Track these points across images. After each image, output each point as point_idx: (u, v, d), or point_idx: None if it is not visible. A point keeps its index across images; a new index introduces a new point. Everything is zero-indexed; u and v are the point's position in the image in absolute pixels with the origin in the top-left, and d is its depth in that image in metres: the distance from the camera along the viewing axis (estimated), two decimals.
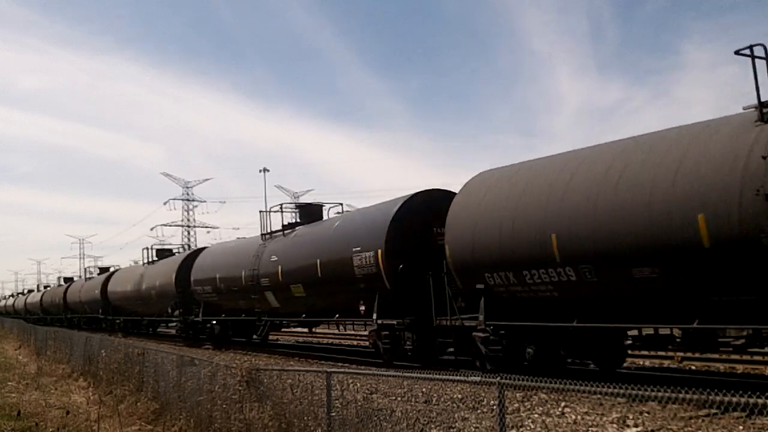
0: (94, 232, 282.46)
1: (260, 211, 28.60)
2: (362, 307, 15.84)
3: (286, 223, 21.40)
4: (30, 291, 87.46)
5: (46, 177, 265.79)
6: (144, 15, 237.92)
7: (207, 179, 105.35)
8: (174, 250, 35.72)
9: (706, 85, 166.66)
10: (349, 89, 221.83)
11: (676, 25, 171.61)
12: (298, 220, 21.15)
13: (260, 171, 70.47)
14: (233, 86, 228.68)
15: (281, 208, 22.03)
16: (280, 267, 19.67)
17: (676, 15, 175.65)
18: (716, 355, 14.69)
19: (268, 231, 21.98)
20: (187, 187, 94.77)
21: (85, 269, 46.72)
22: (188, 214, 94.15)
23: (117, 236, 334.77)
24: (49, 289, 68.23)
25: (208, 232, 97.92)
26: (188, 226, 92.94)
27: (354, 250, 15.75)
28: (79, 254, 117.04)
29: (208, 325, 25.86)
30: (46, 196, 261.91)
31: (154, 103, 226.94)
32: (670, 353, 15.61)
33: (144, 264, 34.78)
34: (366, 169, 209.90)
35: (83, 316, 46.15)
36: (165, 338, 32.74)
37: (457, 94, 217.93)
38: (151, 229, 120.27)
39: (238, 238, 36.05)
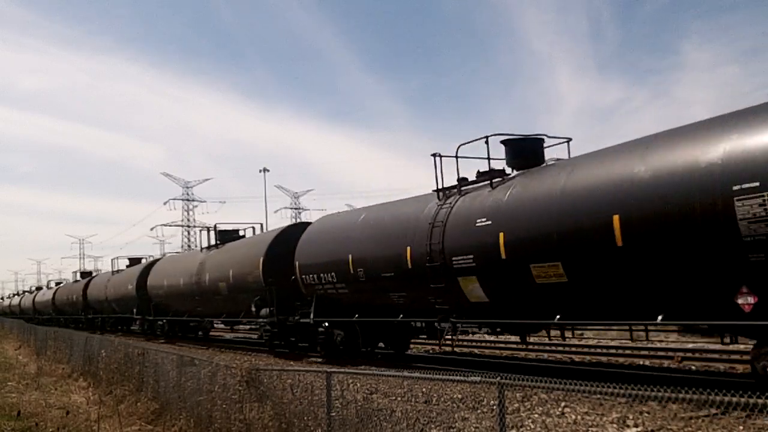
0: (94, 232, 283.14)
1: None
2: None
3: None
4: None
5: (46, 177, 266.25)
6: (143, 15, 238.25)
7: (207, 179, 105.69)
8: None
9: (706, 85, 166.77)
10: (348, 89, 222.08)
11: (675, 25, 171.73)
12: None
13: (260, 171, 70.68)
14: (233, 86, 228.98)
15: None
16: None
17: (676, 15, 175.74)
18: (716, 355, 14.69)
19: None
20: (187, 187, 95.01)
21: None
22: (188, 214, 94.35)
23: (117, 236, 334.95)
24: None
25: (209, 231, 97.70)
26: (188, 226, 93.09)
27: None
28: (79, 254, 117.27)
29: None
30: (46, 196, 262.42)
31: (154, 103, 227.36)
32: (670, 353, 15.61)
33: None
34: (366, 169, 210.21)
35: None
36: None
37: (457, 94, 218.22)
38: (151, 229, 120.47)
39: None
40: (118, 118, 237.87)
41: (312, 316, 17.56)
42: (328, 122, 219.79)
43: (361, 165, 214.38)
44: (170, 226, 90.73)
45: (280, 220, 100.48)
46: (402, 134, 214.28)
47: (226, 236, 26.66)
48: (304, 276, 17.89)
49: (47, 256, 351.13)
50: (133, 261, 40.11)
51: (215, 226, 27.77)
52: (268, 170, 71.51)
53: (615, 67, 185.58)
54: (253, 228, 26.86)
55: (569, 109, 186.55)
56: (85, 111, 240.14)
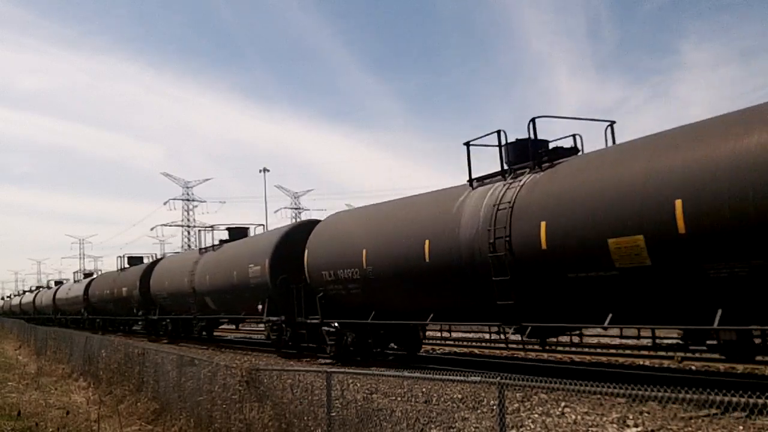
0: (94, 232, 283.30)
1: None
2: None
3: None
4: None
5: (45, 177, 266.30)
6: (142, 15, 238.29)
7: (207, 179, 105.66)
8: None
9: (706, 85, 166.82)
10: (348, 89, 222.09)
11: (674, 25, 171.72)
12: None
13: (260, 171, 70.73)
14: (232, 86, 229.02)
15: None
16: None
17: (674, 14, 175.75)
18: (716, 355, 14.68)
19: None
20: (187, 187, 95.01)
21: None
22: (188, 214, 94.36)
23: (117, 236, 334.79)
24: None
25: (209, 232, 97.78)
26: (188, 226, 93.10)
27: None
28: (79, 254, 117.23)
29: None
30: (45, 196, 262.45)
31: (154, 103, 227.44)
32: (670, 353, 15.61)
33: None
34: (366, 169, 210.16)
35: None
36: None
37: (456, 93, 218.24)
38: (151, 229, 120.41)
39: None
40: (118, 118, 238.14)
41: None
42: (328, 122, 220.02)
43: (361, 165, 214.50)
44: (170, 226, 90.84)
45: (280, 220, 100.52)
46: (401, 134, 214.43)
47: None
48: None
49: (47, 256, 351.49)
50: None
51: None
52: (268, 170, 71.65)
53: (614, 66, 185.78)
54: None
55: (569, 109, 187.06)
56: (85, 111, 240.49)
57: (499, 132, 12.52)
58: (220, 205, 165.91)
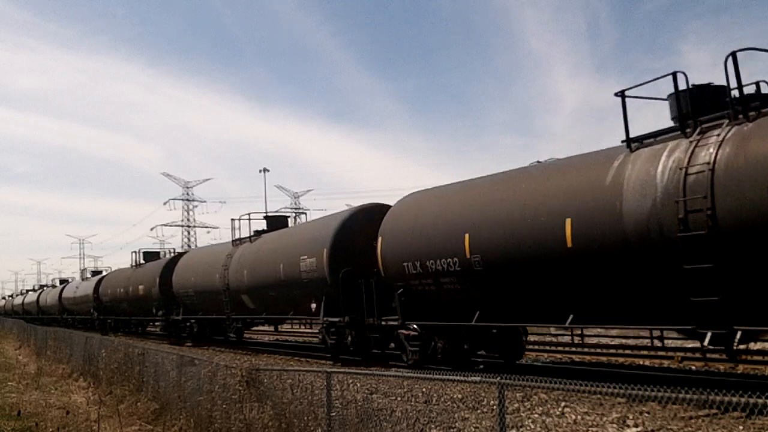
0: (94, 232, 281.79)
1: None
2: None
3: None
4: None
5: (44, 177, 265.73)
6: (140, 15, 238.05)
7: (207, 179, 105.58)
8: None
9: None
10: (347, 89, 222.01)
11: (673, 25, 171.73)
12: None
13: (260, 171, 70.67)
14: (231, 86, 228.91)
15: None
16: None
17: (673, 15, 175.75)
18: (716, 355, 14.69)
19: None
20: (187, 187, 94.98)
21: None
22: (188, 214, 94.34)
23: (117, 236, 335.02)
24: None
25: (208, 232, 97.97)
26: (188, 226, 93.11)
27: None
28: (79, 254, 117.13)
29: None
30: (45, 196, 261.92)
31: (153, 103, 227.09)
32: (670, 353, 15.62)
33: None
34: (366, 169, 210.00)
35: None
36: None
37: (455, 93, 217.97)
38: (151, 229, 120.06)
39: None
40: (117, 118, 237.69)
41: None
42: (328, 122, 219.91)
43: (360, 165, 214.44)
44: (170, 226, 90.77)
45: None
46: (400, 134, 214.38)
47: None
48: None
49: (47, 256, 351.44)
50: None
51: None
52: (268, 170, 71.45)
53: (613, 66, 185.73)
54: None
55: (568, 109, 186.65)
56: (84, 111, 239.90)
57: (675, 75, 9.77)
58: (220, 205, 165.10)
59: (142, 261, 35.13)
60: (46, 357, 24.31)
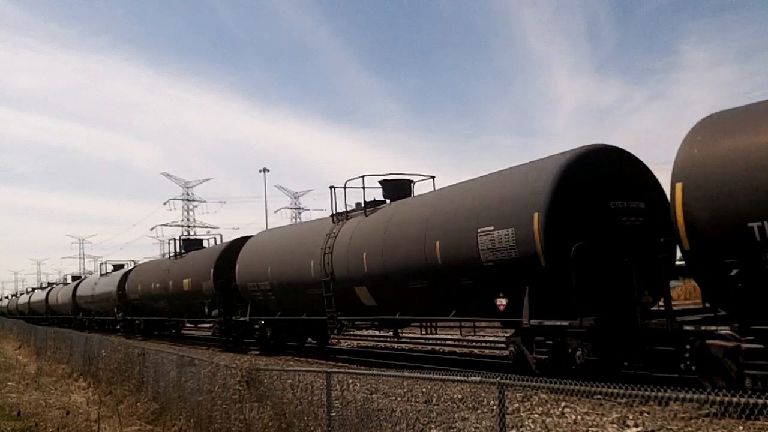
0: (94, 232, 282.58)
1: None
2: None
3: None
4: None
5: (44, 177, 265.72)
6: (139, 15, 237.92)
7: (207, 179, 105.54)
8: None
9: (705, 85, 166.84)
10: (347, 89, 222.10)
11: (673, 25, 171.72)
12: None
13: (260, 171, 70.67)
14: (231, 86, 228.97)
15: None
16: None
17: (673, 15, 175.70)
18: None
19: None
20: (187, 187, 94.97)
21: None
22: (188, 214, 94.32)
23: (117, 236, 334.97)
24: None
25: (208, 232, 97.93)
26: (188, 226, 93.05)
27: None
28: (79, 254, 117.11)
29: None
30: (45, 196, 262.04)
31: (153, 103, 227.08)
32: None
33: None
34: (365, 169, 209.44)
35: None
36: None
37: (455, 93, 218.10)
38: (151, 229, 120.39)
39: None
40: (117, 118, 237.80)
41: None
42: (328, 122, 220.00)
43: (360, 165, 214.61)
44: (170, 226, 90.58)
45: (280, 220, 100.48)
46: (400, 134, 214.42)
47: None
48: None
49: (47, 256, 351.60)
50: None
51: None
52: (268, 170, 71.58)
53: (613, 66, 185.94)
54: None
55: (567, 109, 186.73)
56: (84, 111, 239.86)
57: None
58: (220, 205, 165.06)
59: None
60: (46, 357, 24.31)
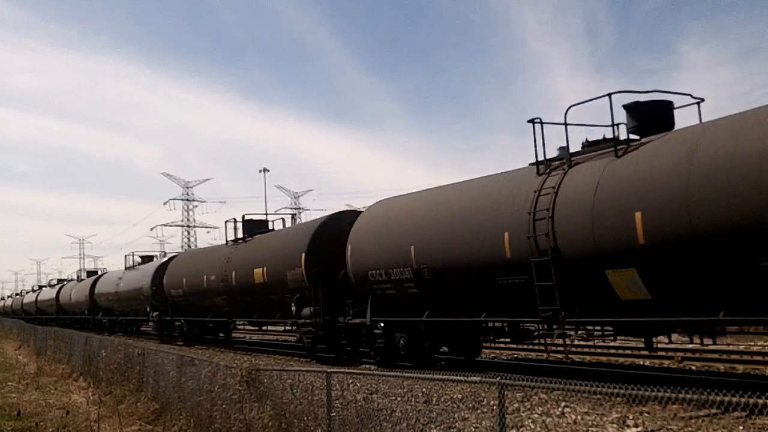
0: (94, 232, 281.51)
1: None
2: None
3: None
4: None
5: (44, 177, 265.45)
6: (139, 15, 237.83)
7: (207, 179, 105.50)
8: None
9: (705, 85, 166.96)
10: (347, 89, 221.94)
11: (672, 25, 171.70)
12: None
13: (260, 171, 70.60)
14: (231, 86, 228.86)
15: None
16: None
17: (673, 15, 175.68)
18: (716, 356, 14.70)
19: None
20: (187, 187, 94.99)
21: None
22: (188, 214, 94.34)
23: (117, 236, 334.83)
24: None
25: (208, 232, 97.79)
26: (188, 226, 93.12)
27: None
28: (79, 254, 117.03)
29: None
30: (45, 196, 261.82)
31: (153, 103, 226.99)
32: (671, 353, 15.61)
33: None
34: (365, 169, 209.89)
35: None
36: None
37: (454, 93, 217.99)
38: (151, 229, 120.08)
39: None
40: (117, 118, 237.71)
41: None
42: (328, 122, 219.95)
43: (360, 165, 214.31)
44: (170, 226, 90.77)
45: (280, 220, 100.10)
46: (400, 134, 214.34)
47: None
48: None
49: (47, 256, 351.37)
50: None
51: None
52: (268, 170, 71.42)
53: (613, 67, 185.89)
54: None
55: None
56: (84, 111, 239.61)
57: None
58: (220, 205, 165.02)
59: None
60: (46, 357, 24.31)
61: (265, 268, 19.76)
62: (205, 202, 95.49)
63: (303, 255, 17.76)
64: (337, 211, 19.26)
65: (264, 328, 27.88)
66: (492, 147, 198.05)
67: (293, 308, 18.25)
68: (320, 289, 17.04)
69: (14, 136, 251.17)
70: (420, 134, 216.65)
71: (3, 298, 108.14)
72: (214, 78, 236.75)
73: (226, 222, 24.04)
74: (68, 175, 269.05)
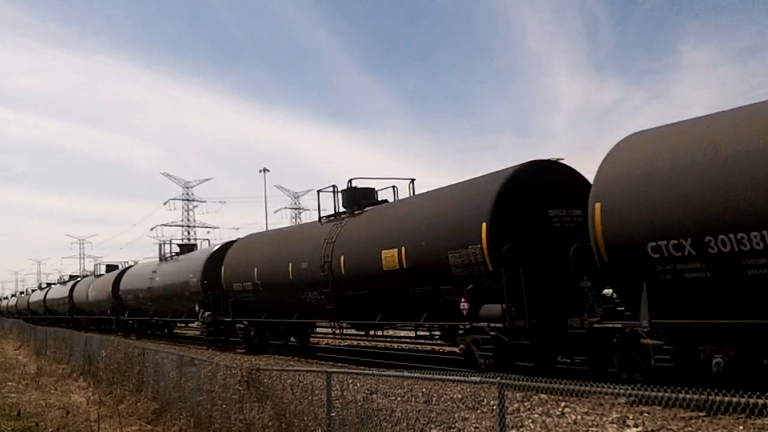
0: (94, 232, 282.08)
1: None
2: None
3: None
4: (113, 267, 42.35)
5: (44, 177, 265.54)
6: (139, 15, 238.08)
7: (207, 179, 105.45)
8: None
9: (704, 85, 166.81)
10: (346, 89, 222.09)
11: (672, 25, 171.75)
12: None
13: (260, 171, 70.63)
14: (231, 86, 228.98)
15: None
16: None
17: (672, 15, 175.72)
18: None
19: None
20: (187, 187, 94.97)
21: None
22: (188, 214, 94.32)
23: (117, 236, 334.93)
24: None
25: (208, 232, 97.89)
26: (188, 226, 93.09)
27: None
28: (79, 254, 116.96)
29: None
30: (45, 196, 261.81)
31: (152, 103, 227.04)
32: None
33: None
34: (366, 169, 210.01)
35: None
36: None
37: (454, 94, 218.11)
38: (151, 229, 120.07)
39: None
40: (117, 118, 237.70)
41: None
42: (328, 122, 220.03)
43: (360, 165, 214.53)
44: (170, 226, 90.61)
45: (280, 220, 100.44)
46: (400, 134, 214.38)
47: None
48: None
49: (47, 256, 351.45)
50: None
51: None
52: (268, 170, 71.50)
53: (612, 67, 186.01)
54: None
55: (567, 109, 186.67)
56: (84, 111, 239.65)
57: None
58: (220, 205, 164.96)
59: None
60: (46, 357, 24.32)
61: (404, 249, 14.22)
62: (205, 202, 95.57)
63: (484, 225, 12.20)
64: (221, 244, 26.12)
65: (189, 325, 32.35)
66: (492, 147, 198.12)
67: (464, 305, 12.50)
68: (211, 298, 23.22)
69: (14, 136, 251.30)
70: (420, 134, 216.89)
71: (6, 298, 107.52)
72: (214, 78, 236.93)
73: (318, 191, 18.84)
74: (68, 175, 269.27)
